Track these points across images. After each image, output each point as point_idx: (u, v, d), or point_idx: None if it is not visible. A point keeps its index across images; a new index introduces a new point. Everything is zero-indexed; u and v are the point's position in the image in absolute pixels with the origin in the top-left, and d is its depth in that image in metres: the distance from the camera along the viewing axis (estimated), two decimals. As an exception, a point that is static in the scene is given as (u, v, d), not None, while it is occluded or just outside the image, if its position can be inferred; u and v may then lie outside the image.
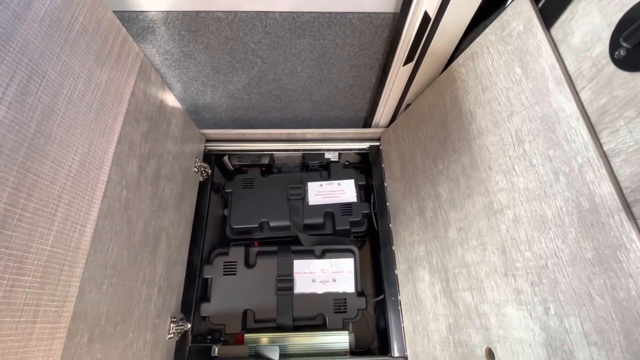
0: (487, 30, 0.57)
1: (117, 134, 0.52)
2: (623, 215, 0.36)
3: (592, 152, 0.40)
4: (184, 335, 0.74)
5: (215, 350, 0.77)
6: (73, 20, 0.44)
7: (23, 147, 0.36)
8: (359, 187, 0.95)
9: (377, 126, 0.94)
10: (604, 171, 0.38)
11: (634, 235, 0.35)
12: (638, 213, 0.36)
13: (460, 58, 0.64)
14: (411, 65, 0.71)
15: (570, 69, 0.44)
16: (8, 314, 0.34)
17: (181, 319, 0.74)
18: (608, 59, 0.39)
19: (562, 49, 0.46)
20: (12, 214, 0.35)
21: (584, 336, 0.39)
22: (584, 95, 0.42)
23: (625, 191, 0.37)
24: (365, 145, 0.97)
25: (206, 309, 0.81)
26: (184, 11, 0.63)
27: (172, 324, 0.69)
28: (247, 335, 0.82)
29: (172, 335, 0.69)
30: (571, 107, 0.43)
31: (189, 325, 0.75)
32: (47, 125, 0.40)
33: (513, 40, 0.52)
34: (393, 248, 0.83)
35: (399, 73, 0.73)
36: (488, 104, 0.56)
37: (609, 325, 0.37)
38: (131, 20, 0.64)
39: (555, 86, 0.45)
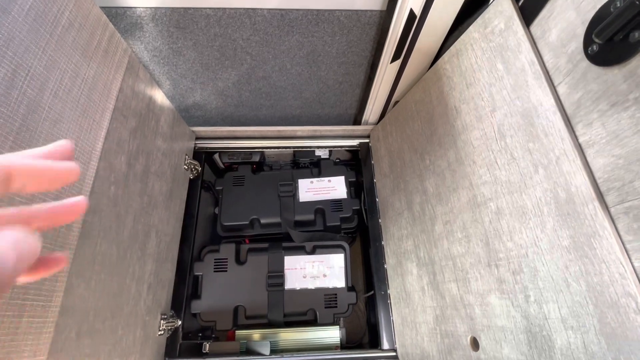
0: (471, 27, 0.58)
1: (104, 129, 0.52)
2: (596, 204, 0.38)
3: (568, 144, 0.41)
4: (174, 332, 0.74)
5: (206, 346, 0.77)
6: (59, 14, 0.44)
7: (8, 141, 0.36)
8: (349, 184, 0.96)
9: (366, 123, 0.95)
10: (579, 162, 0.40)
11: (606, 223, 0.37)
12: (610, 201, 0.37)
13: (446, 55, 0.65)
14: (398, 62, 0.73)
15: (548, 65, 0.46)
16: (-6, 307, 0.34)
17: (172, 316, 0.74)
18: (582, 54, 0.41)
19: (541, 46, 0.47)
20: (-3, 208, 0.35)
21: (561, 321, 0.41)
22: (561, 90, 0.44)
23: (598, 181, 0.39)
24: (355, 142, 0.98)
25: (197, 306, 0.81)
26: (172, 7, 0.63)
27: (162, 321, 0.69)
28: (238, 332, 0.83)
29: (162, 332, 0.69)
30: (549, 102, 0.44)
31: (180, 322, 0.75)
32: (32, 119, 0.39)
33: (495, 37, 0.54)
34: (382, 243, 0.84)
35: (386, 70, 0.74)
36: (472, 100, 0.58)
37: (584, 309, 0.38)
38: (119, 17, 0.63)
39: (534, 81, 0.47)
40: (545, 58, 0.46)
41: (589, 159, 0.40)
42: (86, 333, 0.47)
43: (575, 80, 0.42)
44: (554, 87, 0.45)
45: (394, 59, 0.71)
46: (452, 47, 0.63)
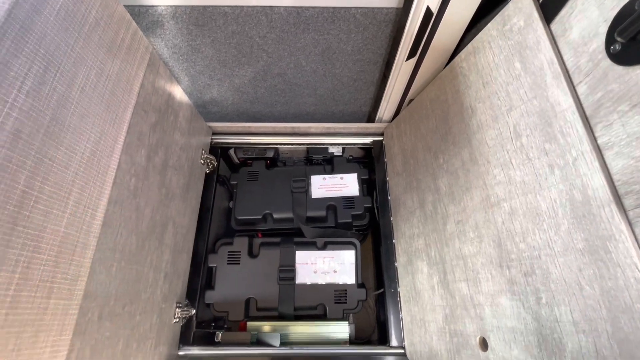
0: (489, 25, 0.58)
1: (126, 124, 0.54)
2: (614, 206, 0.37)
3: (586, 146, 0.41)
4: (188, 320, 0.77)
5: (219, 336, 0.80)
6: (86, 13, 0.46)
7: (40, 133, 0.39)
8: (361, 181, 0.97)
9: (380, 121, 0.95)
10: (597, 164, 0.39)
11: (623, 226, 0.36)
12: (628, 205, 0.36)
13: (463, 53, 0.64)
14: (414, 60, 0.72)
15: (568, 64, 0.45)
16: (25, 288, 0.37)
17: (186, 305, 0.76)
18: (604, 53, 0.40)
19: (561, 44, 0.46)
20: (29, 196, 0.37)
21: (573, 324, 0.40)
22: (581, 90, 0.43)
23: (616, 183, 0.38)
24: (368, 139, 0.98)
25: (210, 296, 0.83)
26: (191, 5, 0.65)
27: (177, 309, 0.72)
28: (249, 323, 0.85)
29: (177, 320, 0.72)
30: (567, 101, 0.43)
31: (194, 311, 0.78)
32: (61, 113, 0.42)
33: (514, 35, 0.53)
34: (394, 241, 0.84)
35: (402, 68, 0.74)
36: (488, 99, 0.57)
37: (596, 313, 0.38)
38: (141, 15, 0.66)
39: (552, 81, 0.46)
40: (565, 57, 0.45)
41: (607, 160, 0.39)
42: (107, 317, 0.50)
43: (596, 80, 0.41)
44: (574, 87, 0.44)
45: (410, 56, 0.71)
46: (469, 45, 0.62)
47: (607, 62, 0.39)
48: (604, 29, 0.40)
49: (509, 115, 0.52)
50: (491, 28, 0.57)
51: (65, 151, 0.42)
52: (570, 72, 0.45)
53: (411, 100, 0.85)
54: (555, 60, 0.46)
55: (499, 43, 0.55)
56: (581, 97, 0.43)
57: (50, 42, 0.41)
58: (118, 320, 0.52)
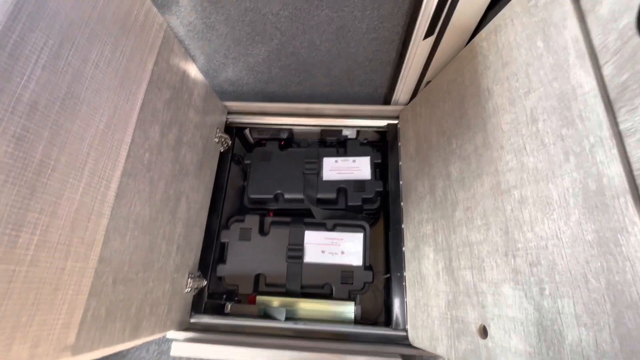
0: (513, 1, 0.54)
1: (140, 100, 0.56)
2: (629, 197, 0.35)
3: (606, 131, 0.38)
4: (200, 290, 0.81)
5: (228, 307, 0.84)
6: (100, -11, 0.47)
7: (55, 105, 0.41)
8: (374, 165, 0.96)
9: (396, 103, 0.93)
10: (615, 151, 0.37)
11: (637, 218, 0.34)
12: (645, 196, 0.34)
13: (484, 31, 0.60)
14: (432, 39, 0.69)
15: (596, 42, 0.41)
16: (44, 249, 0.40)
17: (198, 276, 0.80)
18: (635, 30, 0.36)
19: (590, 20, 0.42)
20: (46, 164, 0.40)
21: (575, 317, 0.39)
22: (606, 71, 0.40)
23: (635, 173, 0.35)
24: (383, 123, 0.96)
25: (222, 269, 0.87)
26: (205, -18, 0.64)
27: (189, 279, 0.76)
28: (259, 297, 0.88)
29: (189, 290, 0.76)
30: (590, 83, 0.40)
31: (205, 283, 0.82)
32: (76, 87, 0.44)
33: (539, 11, 0.49)
34: (402, 226, 0.83)
35: (419, 47, 0.71)
36: (507, 81, 0.54)
37: (600, 307, 0.36)
38: (157, -8, 0.66)
39: (576, 60, 0.42)
40: (593, 34, 0.42)
41: (627, 148, 0.36)
42: (121, 281, 0.53)
43: (624, 59, 0.37)
44: (599, 67, 0.40)
45: (427, 35, 0.68)
46: (490, 23, 0.58)
47: (637, 39, 0.36)
48: (636, 2, 0.36)
49: (527, 98, 0.49)
50: (515, 4, 0.53)
51: (81, 124, 0.45)
52: (597, 51, 0.41)
53: (428, 82, 0.81)
54: (581, 38, 0.42)
55: (523, 20, 0.52)
56: (606, 79, 0.40)
57: (65, 18, 0.42)
58: (131, 285, 0.56)
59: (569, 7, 0.44)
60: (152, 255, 0.62)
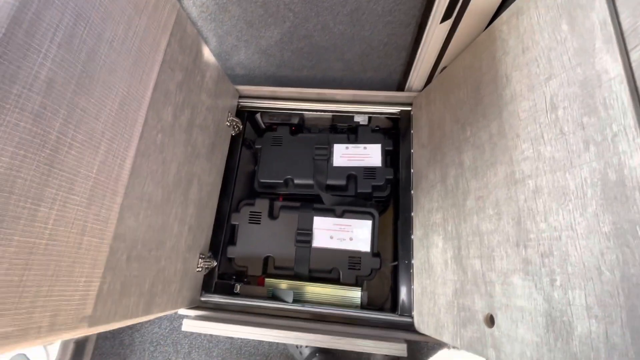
0: (538, -20, 0.51)
1: (153, 81, 0.57)
2: (651, 188, 0.33)
3: (630, 120, 0.36)
4: (211, 271, 0.83)
5: (238, 287, 0.86)
6: (114, -33, 0.47)
7: (71, 84, 0.42)
8: (385, 152, 0.94)
9: (410, 90, 0.91)
10: (639, 141, 0.35)
11: (658, 210, 0.33)
12: (669, 187, 0.33)
13: (505, 14, 0.58)
14: (449, 22, 0.66)
15: (625, 25, 0.39)
16: (62, 224, 0.41)
17: (209, 257, 0.82)
18: (669, 11, 0.34)
19: (619, 2, 0.40)
20: (63, 142, 0.41)
21: (586, 309, 0.38)
22: (634, 56, 0.38)
23: (659, 163, 0.34)
24: (396, 109, 0.94)
25: (232, 251, 0.89)
26: (218, -39, 0.63)
27: (200, 259, 0.78)
28: (267, 279, 0.90)
29: (200, 269, 0.78)
30: (617, 69, 0.38)
31: (216, 263, 0.84)
32: (91, 66, 0.44)
33: (565, -9, 0.46)
34: (412, 214, 0.83)
35: (435, 32, 0.69)
36: (526, 66, 0.52)
37: (613, 300, 0.36)
38: (170, -29, 0.66)
39: (603, 45, 0.40)
40: (622, 16, 0.39)
41: (652, 137, 0.35)
42: (135, 258, 0.55)
43: (655, 43, 0.35)
44: (627, 52, 0.38)
45: (445, 18, 0.65)
46: (512, 5, 0.56)
47: (671, 21, 0.34)
48: (673, -18, 0.34)
49: (547, 84, 0.47)
50: (540, -16, 0.51)
51: (96, 103, 0.45)
52: (625, 35, 0.39)
53: (444, 68, 0.79)
54: (610, 20, 0.40)
55: (547, 2, 0.49)
56: (634, 65, 0.38)
57: (80, -5, 0.42)
58: (145, 262, 0.58)
59: (599, -12, 0.42)
60: (165, 235, 0.64)
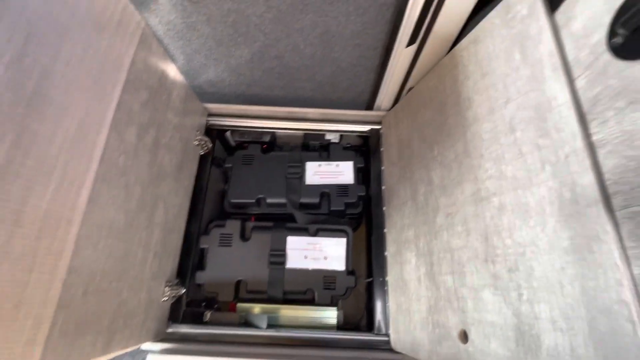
0: (492, 13, 0.55)
1: (115, 100, 0.54)
2: (601, 206, 0.36)
3: (579, 142, 0.39)
4: (178, 299, 0.78)
5: (208, 315, 0.81)
6: (72, -16, 0.45)
7: (21, 106, 0.38)
8: (357, 170, 0.96)
9: (379, 109, 0.94)
10: (588, 162, 0.38)
11: (608, 227, 0.35)
12: (616, 205, 0.36)
13: (464, 41, 0.62)
14: (414, 47, 0.70)
15: (569, 56, 0.43)
16: (6, 261, 0.37)
17: (176, 284, 0.77)
18: (605, 46, 0.38)
19: (564, 35, 0.44)
20: (9, 170, 0.37)
21: (551, 322, 0.40)
22: (579, 84, 0.41)
23: (607, 183, 0.37)
24: (366, 128, 0.97)
25: (201, 276, 0.84)
26: (186, -19, 0.63)
27: (167, 288, 0.73)
28: (239, 304, 0.86)
29: (166, 298, 0.73)
30: (564, 96, 0.42)
31: (184, 290, 0.79)
32: (44, 86, 0.41)
33: (516, 24, 0.51)
34: (384, 231, 0.84)
35: (401, 55, 0.72)
36: (486, 91, 0.55)
37: (575, 312, 0.38)
38: (134, -12, 0.64)
39: (551, 73, 0.44)
40: (567, 49, 0.43)
41: (599, 159, 0.38)
42: (92, 292, 0.50)
43: (595, 74, 0.39)
44: (572, 81, 0.42)
45: (410, 43, 0.69)
46: (470, 33, 0.60)
47: (608, 55, 0.38)
48: (607, 20, 0.38)
49: (505, 108, 0.51)
50: (494, 16, 0.55)
51: (49, 125, 0.42)
52: (570, 65, 0.43)
53: (410, 89, 0.83)
54: (556, 52, 0.44)
55: (501, 32, 0.53)
56: (579, 92, 0.41)
57: (33, 13, 0.39)
58: (104, 296, 0.53)
59: (544, 22, 0.46)
60: (127, 263, 0.59)
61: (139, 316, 0.64)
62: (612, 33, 0.37)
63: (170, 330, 0.75)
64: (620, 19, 0.35)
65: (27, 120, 0.39)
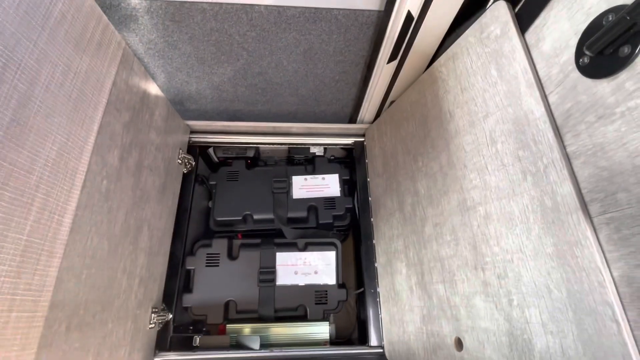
0: (468, 31, 0.59)
1: (97, 123, 0.52)
2: (580, 213, 0.39)
3: (557, 154, 0.42)
4: (165, 325, 0.75)
5: (197, 340, 0.78)
6: (51, 6, 0.43)
7: (-2, 135, 0.36)
8: (343, 182, 0.97)
9: (362, 122, 0.96)
10: (566, 172, 0.41)
11: (588, 232, 0.38)
12: (593, 212, 0.38)
13: (442, 58, 0.65)
14: (395, 63, 0.73)
15: (541, 73, 0.46)
16: (-17, 302, 0.34)
17: (163, 309, 0.74)
18: (574, 65, 0.41)
19: (535, 54, 0.48)
20: (-14, 203, 0.35)
21: (542, 325, 0.42)
22: (552, 99, 0.44)
23: (583, 191, 0.40)
24: (350, 140, 0.98)
25: (188, 299, 0.82)
26: (167, 0, 0.62)
27: (153, 314, 0.70)
28: (229, 326, 0.83)
29: (153, 325, 0.70)
30: (540, 110, 0.45)
31: (171, 316, 0.76)
32: (23, 113, 0.39)
33: (490, 43, 0.54)
34: (374, 242, 0.85)
35: (383, 70, 0.74)
36: (466, 105, 0.58)
37: (563, 315, 0.40)
38: (113, 8, 0.62)
39: (526, 89, 0.47)
40: (539, 66, 0.47)
41: (575, 169, 0.41)
42: (76, 327, 0.47)
43: (566, 90, 0.42)
44: (546, 96, 0.45)
45: (391, 59, 0.71)
46: (448, 50, 0.63)
47: (577, 74, 0.41)
48: (574, 42, 0.41)
49: (485, 121, 0.54)
50: (469, 35, 0.58)
51: (28, 154, 0.40)
52: (542, 82, 0.46)
53: (392, 102, 0.85)
54: (529, 69, 0.47)
55: (477, 50, 0.56)
56: (552, 107, 0.44)
57: (10, 37, 0.38)
58: (88, 329, 0.50)
59: (517, 42, 0.49)
60: (112, 293, 0.56)
61: (124, 347, 0.60)
62: (579, 54, 0.40)
63: (157, 359, 0.71)
64: (585, 41, 0.39)
65: (4, 151, 0.37)
